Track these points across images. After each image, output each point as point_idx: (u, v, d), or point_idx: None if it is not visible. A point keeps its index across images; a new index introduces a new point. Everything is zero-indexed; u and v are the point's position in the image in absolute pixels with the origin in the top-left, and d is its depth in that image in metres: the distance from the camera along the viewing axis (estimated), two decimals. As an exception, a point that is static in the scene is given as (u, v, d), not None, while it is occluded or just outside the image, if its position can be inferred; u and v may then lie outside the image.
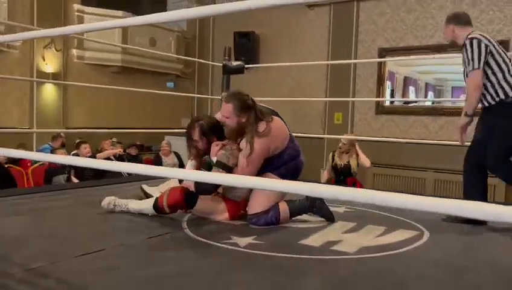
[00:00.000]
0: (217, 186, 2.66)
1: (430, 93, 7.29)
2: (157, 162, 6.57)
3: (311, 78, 7.75)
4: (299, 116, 7.45)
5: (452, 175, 6.19)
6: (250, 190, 2.72)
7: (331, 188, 1.03)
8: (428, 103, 7.15)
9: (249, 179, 1.47)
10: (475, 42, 2.78)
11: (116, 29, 7.08)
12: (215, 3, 8.67)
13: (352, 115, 7.46)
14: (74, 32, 2.49)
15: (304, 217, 2.85)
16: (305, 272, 1.94)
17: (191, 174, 1.94)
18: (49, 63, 7.04)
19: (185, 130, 2.88)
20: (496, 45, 2.84)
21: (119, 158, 6.15)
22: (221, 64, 4.76)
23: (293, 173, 2.79)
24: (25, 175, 5.41)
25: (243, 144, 2.68)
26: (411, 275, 1.97)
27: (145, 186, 3.20)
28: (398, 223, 2.85)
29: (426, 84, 7.33)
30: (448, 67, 6.73)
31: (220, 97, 4.65)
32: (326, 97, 7.54)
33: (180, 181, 2.83)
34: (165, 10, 8.56)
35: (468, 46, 2.80)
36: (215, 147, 2.72)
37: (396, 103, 7.50)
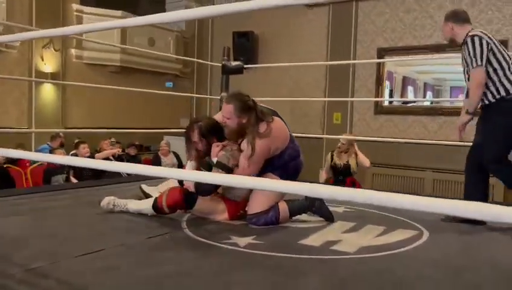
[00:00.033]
0: (216, 186, 2.66)
1: (429, 93, 7.30)
2: (156, 162, 6.56)
3: (310, 78, 7.76)
4: (298, 116, 7.45)
5: (451, 175, 6.21)
6: (250, 190, 2.72)
7: (330, 188, 1.04)
8: (427, 103, 7.16)
9: (249, 180, 1.47)
10: (476, 39, 2.77)
11: (115, 29, 7.08)
12: (214, 4, 8.68)
13: (351, 115, 7.47)
14: (73, 32, 2.48)
15: (304, 217, 2.85)
16: (304, 272, 1.95)
17: (191, 175, 1.94)
18: (48, 62, 7.03)
19: (184, 130, 2.88)
20: (496, 42, 2.84)
21: (118, 158, 6.14)
22: (220, 64, 4.75)
23: (293, 173, 2.80)
24: (24, 175, 5.39)
25: (244, 144, 2.68)
26: (410, 274, 1.97)
27: (144, 186, 3.20)
28: (398, 223, 2.85)
29: (425, 84, 7.33)
30: (447, 67, 6.74)
31: (219, 97, 4.65)
32: (325, 97, 7.54)
33: (180, 181, 2.82)
34: (164, 10, 8.57)
35: (469, 44, 2.78)
36: (215, 147, 2.72)
37: (395, 103, 7.51)
